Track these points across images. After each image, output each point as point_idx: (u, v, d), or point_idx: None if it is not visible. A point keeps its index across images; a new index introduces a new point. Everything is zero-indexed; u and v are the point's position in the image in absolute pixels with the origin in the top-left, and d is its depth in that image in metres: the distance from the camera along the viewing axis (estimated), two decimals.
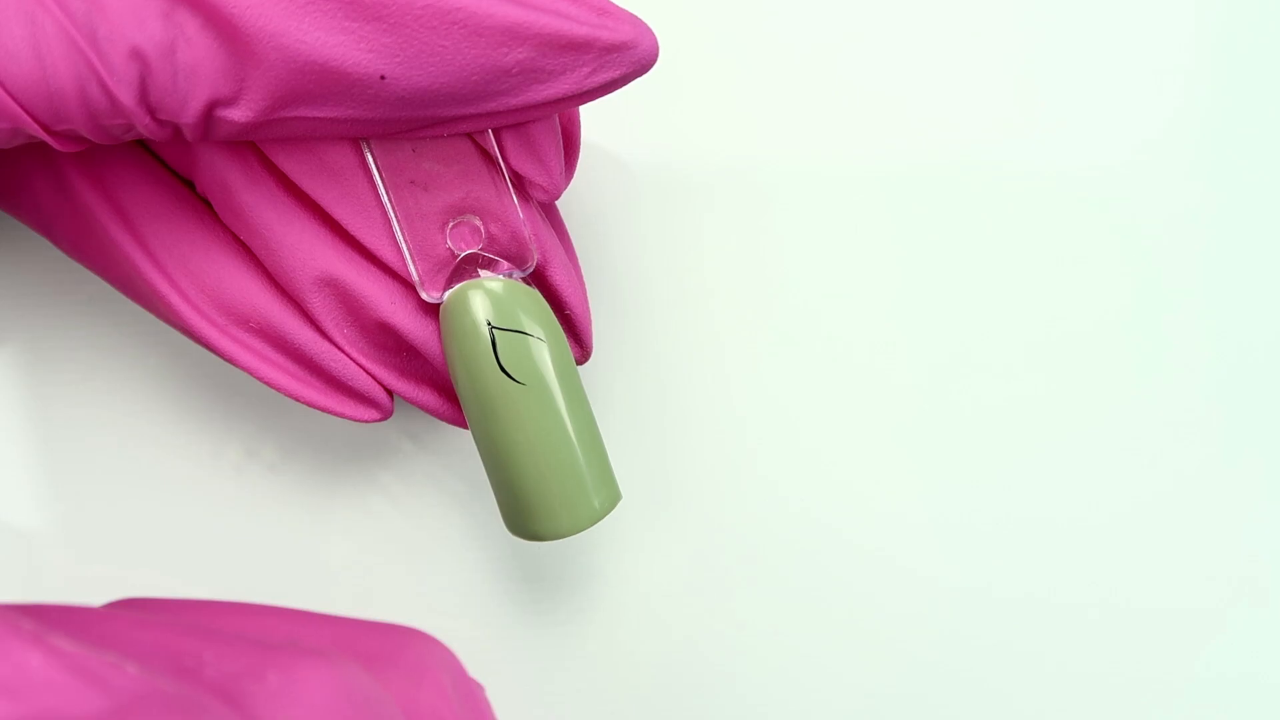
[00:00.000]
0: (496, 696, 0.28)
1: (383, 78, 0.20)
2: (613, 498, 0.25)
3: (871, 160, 0.29)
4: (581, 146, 0.25)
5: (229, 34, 0.19)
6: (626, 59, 0.21)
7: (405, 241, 0.23)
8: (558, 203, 0.26)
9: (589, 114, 0.27)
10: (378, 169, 0.23)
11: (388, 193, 0.23)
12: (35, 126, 0.20)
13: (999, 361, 0.28)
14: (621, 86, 0.21)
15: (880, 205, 0.28)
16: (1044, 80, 0.29)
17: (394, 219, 0.23)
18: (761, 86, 0.28)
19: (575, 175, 0.26)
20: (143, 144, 0.24)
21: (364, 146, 0.23)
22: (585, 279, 0.26)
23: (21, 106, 0.19)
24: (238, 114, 0.20)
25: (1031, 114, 0.29)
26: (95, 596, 0.27)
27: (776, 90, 0.29)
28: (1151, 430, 0.29)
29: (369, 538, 0.28)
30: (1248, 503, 0.29)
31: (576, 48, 0.20)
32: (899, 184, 0.29)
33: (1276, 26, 0.29)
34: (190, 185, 0.25)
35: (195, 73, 0.20)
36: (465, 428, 0.25)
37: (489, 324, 0.23)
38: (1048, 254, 0.29)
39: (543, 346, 0.23)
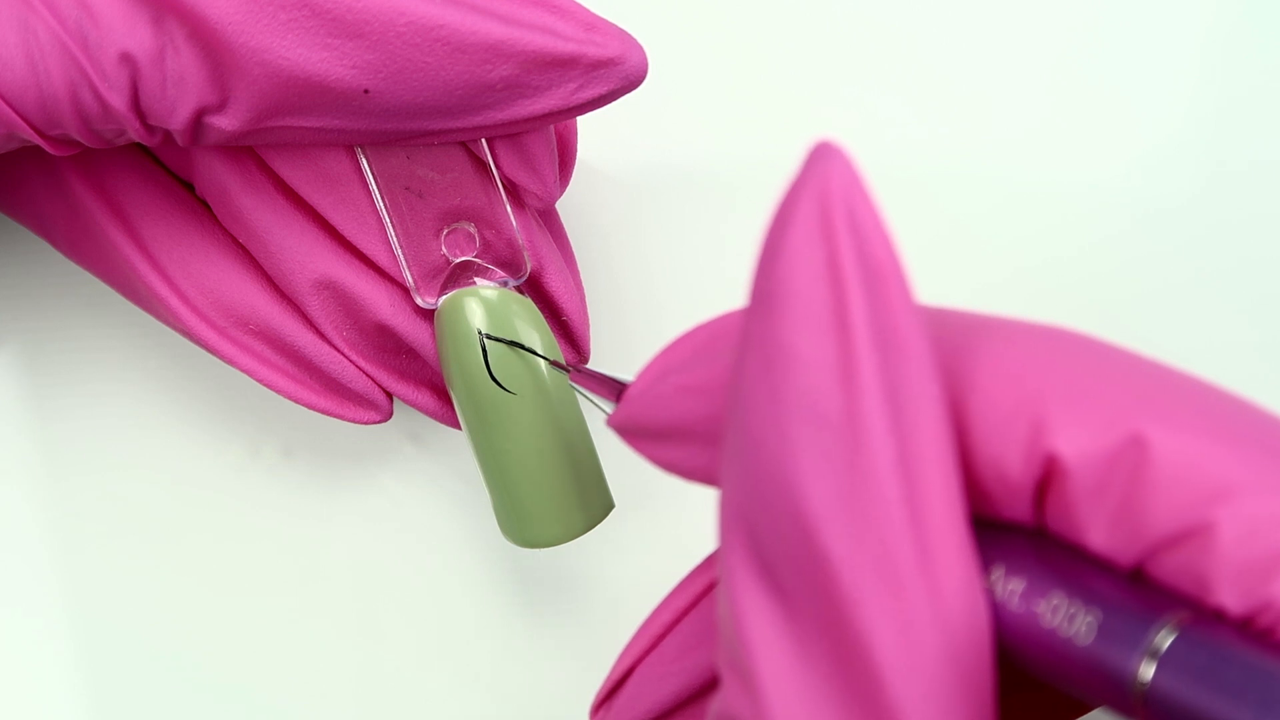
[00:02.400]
0: (496, 696, 0.28)
1: (366, 91, 0.20)
2: (605, 506, 0.25)
3: (870, 160, 0.28)
4: (579, 151, 0.25)
5: (214, 46, 0.19)
6: (614, 75, 0.21)
7: (400, 247, 0.23)
8: (557, 207, 0.26)
9: (586, 117, 0.27)
10: (372, 175, 0.23)
11: (382, 198, 0.23)
12: (29, 131, 0.20)
13: None
14: (610, 102, 0.21)
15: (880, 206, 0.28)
16: (1043, 82, 0.29)
17: (389, 225, 0.23)
18: (760, 89, 0.28)
19: (574, 179, 0.25)
20: (142, 146, 0.24)
21: (358, 153, 0.23)
22: (584, 284, 0.26)
23: (15, 111, 0.20)
24: (225, 122, 0.20)
25: (1031, 116, 0.28)
26: (96, 598, 0.27)
27: (775, 93, 0.28)
28: None
29: (370, 538, 0.28)
30: None
31: (562, 64, 0.20)
32: (899, 185, 0.28)
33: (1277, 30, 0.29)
34: (190, 187, 0.25)
35: (184, 80, 0.20)
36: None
37: (480, 333, 0.23)
38: (1050, 257, 0.28)
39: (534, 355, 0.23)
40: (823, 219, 0.14)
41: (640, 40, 0.21)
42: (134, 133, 0.20)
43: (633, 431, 0.18)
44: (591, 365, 0.26)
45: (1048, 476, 0.14)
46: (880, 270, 0.14)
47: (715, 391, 0.16)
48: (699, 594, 0.19)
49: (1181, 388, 0.14)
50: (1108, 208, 0.29)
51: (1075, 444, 0.14)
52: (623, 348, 0.28)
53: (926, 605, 0.13)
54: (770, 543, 0.14)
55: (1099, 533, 0.14)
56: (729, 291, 0.28)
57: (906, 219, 0.28)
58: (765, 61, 0.28)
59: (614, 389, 0.21)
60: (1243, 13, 0.29)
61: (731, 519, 0.15)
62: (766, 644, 0.14)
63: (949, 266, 0.28)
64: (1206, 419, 0.14)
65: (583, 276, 0.26)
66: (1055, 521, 0.14)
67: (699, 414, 0.17)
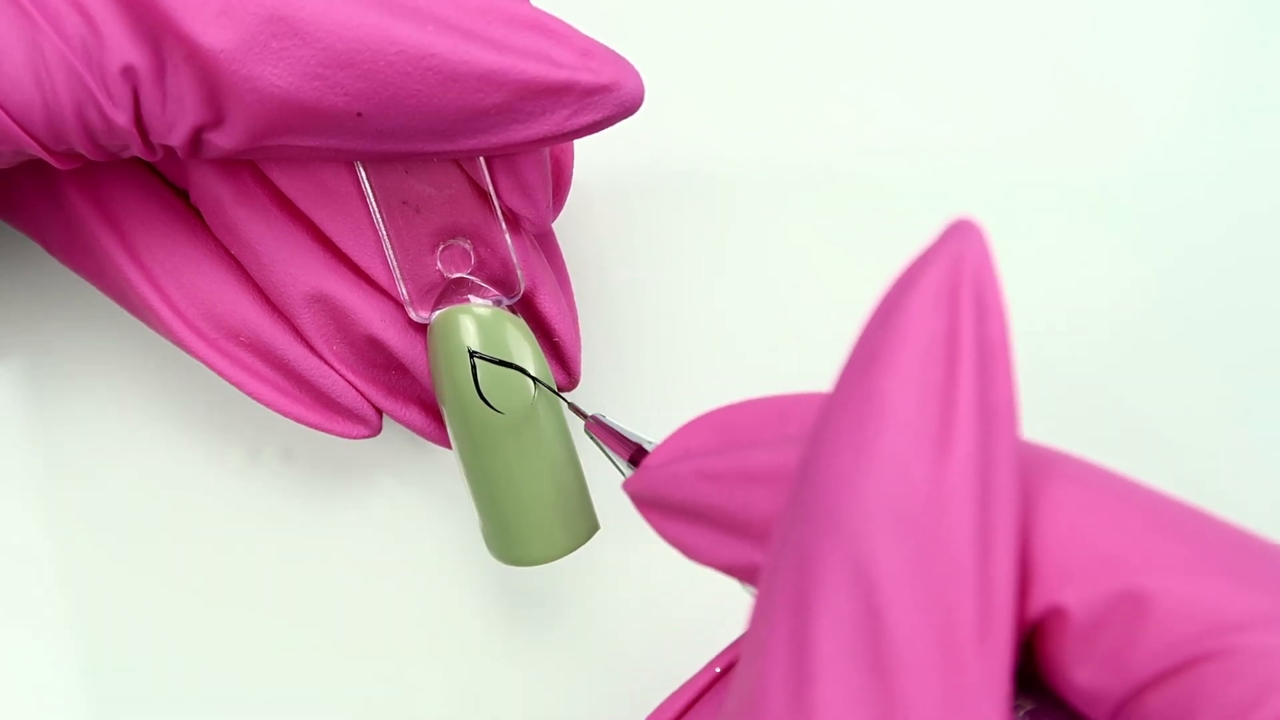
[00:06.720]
0: (496, 698, 0.28)
1: (359, 115, 0.20)
2: (589, 528, 0.25)
3: (867, 175, 0.28)
4: (575, 169, 0.25)
5: (208, 71, 0.19)
6: (609, 101, 0.20)
7: (395, 261, 0.23)
8: (554, 228, 0.26)
9: (584, 140, 0.27)
10: (370, 189, 0.23)
11: (380, 212, 0.23)
12: (38, 148, 0.20)
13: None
14: (606, 127, 0.21)
15: (879, 220, 0.28)
16: (1043, 79, 0.29)
17: (385, 238, 0.23)
18: (754, 109, 0.28)
19: (570, 199, 0.25)
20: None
21: (357, 167, 0.23)
22: (577, 306, 0.26)
23: (23, 129, 0.20)
24: (223, 139, 0.20)
25: (1031, 113, 0.29)
26: (97, 600, 0.27)
27: (769, 114, 0.28)
28: (1159, 435, 0.29)
29: (369, 540, 0.28)
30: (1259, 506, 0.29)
31: (555, 92, 0.20)
32: (897, 197, 0.28)
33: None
34: (185, 195, 0.25)
35: (183, 98, 0.20)
36: (449, 448, 0.25)
37: (470, 351, 0.23)
38: (1050, 260, 0.29)
39: (524, 376, 0.23)
40: (949, 290, 0.14)
41: (640, 65, 0.21)
42: (137, 148, 0.21)
43: (646, 502, 0.18)
44: (579, 386, 0.26)
45: (1044, 620, 0.14)
46: (994, 353, 0.14)
47: (734, 484, 0.16)
48: (703, 689, 0.19)
49: (1181, 536, 0.14)
50: (1107, 205, 0.29)
51: (1073, 595, 0.14)
52: (615, 369, 0.28)
53: (978, 687, 0.13)
54: (825, 605, 0.13)
55: (1085, 673, 0.14)
56: (721, 318, 0.28)
57: (907, 217, 0.29)
58: (762, 71, 0.28)
59: (629, 448, 0.21)
60: (1243, 11, 0.29)
61: (783, 577, 0.14)
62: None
63: None
64: (1202, 573, 0.14)
65: (576, 298, 0.26)
66: (1045, 658, 0.14)
67: (713, 502, 0.17)
